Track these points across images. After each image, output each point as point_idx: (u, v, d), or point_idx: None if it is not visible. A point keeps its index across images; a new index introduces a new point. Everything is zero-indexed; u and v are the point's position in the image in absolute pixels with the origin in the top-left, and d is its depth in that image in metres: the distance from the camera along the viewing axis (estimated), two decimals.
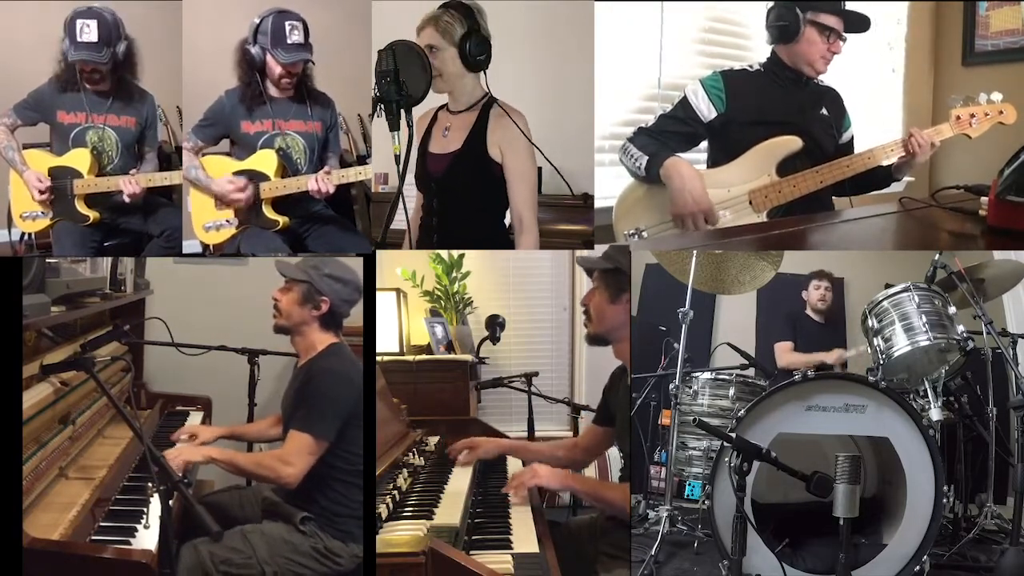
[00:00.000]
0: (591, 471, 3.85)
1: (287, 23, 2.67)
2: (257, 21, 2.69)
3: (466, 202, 2.49)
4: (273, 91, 2.78)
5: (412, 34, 2.40)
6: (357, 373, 2.39)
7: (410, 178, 2.35)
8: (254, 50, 2.70)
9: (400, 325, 4.06)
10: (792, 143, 2.81)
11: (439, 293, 4.17)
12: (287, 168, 2.78)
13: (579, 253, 2.38)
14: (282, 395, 2.52)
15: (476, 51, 2.38)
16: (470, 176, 2.47)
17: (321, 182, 2.66)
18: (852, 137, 3.11)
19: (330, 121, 2.87)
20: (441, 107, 2.56)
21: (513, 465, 2.75)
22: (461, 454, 2.62)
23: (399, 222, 2.44)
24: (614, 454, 3.99)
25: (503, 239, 2.57)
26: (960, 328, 2.67)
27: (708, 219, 2.75)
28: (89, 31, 2.73)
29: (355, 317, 2.61)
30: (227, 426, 2.87)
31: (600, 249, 2.39)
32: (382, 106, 2.17)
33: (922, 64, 4.40)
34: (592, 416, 2.64)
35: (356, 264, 2.59)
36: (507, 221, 2.62)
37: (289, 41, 2.67)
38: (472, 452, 2.62)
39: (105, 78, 2.86)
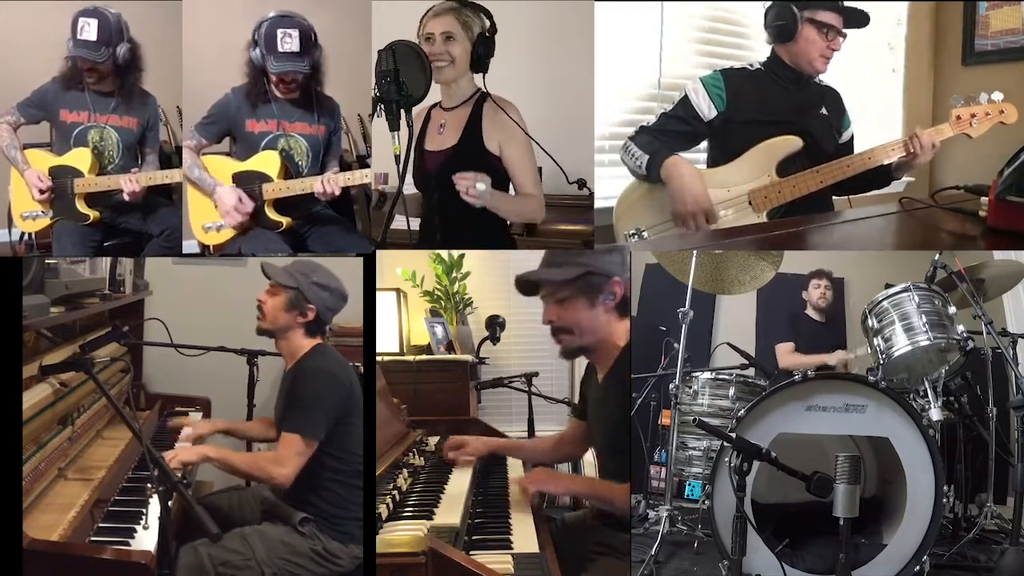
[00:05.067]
0: (591, 470, 3.85)
1: (279, 31, 2.63)
2: (257, 24, 2.69)
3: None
4: (277, 92, 2.78)
5: (412, 34, 2.41)
6: (343, 372, 2.39)
7: (410, 179, 2.36)
8: (254, 54, 2.70)
9: (400, 325, 4.06)
10: (792, 143, 2.81)
11: (439, 293, 4.16)
12: (289, 169, 2.78)
13: (518, 272, 2.23)
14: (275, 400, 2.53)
15: (486, 53, 2.44)
16: (468, 169, 2.47)
17: (327, 185, 2.65)
18: (852, 136, 3.11)
19: (334, 125, 2.87)
20: (433, 105, 2.58)
21: (513, 465, 2.74)
22: (450, 453, 2.62)
23: (400, 222, 2.45)
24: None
25: (505, 235, 2.59)
26: (960, 328, 2.67)
27: (708, 218, 2.75)
28: (89, 30, 2.74)
29: (355, 317, 2.61)
30: (224, 421, 2.87)
31: (531, 256, 2.29)
32: (382, 106, 2.17)
33: (922, 64, 4.39)
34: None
35: (354, 265, 2.59)
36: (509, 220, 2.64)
37: (280, 50, 2.64)
38: (461, 451, 2.61)
39: (105, 78, 2.86)
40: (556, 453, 2.75)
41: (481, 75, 2.49)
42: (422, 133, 2.57)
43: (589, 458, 3.85)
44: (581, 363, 4.26)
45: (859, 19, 2.87)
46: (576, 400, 2.59)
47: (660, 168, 2.76)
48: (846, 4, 2.87)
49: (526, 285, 2.23)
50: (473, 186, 2.35)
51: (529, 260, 4.12)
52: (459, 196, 2.48)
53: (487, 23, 2.44)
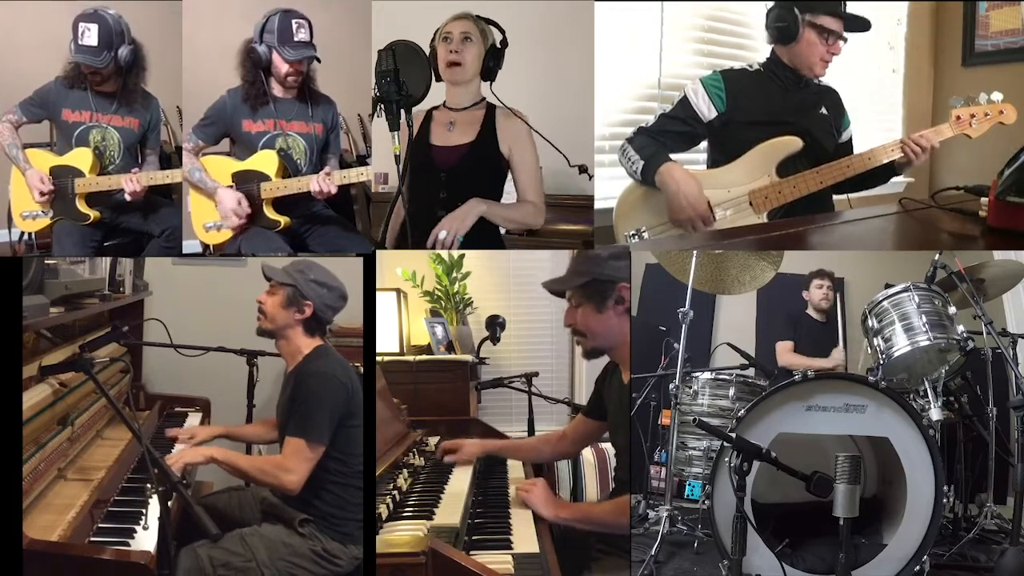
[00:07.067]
0: (592, 476, 3.85)
1: (294, 21, 2.69)
2: (263, 20, 2.71)
3: (474, 192, 2.52)
4: (277, 91, 2.78)
5: (412, 34, 2.42)
6: (345, 374, 2.39)
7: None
8: (260, 49, 2.71)
9: (400, 325, 4.06)
10: (792, 144, 2.81)
11: (439, 293, 4.17)
12: (287, 168, 2.78)
13: (545, 279, 2.40)
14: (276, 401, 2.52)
15: (495, 64, 2.53)
16: (481, 166, 2.54)
17: (323, 183, 2.66)
18: (851, 136, 3.11)
19: (331, 123, 2.88)
20: (436, 107, 2.61)
21: (513, 464, 2.74)
22: (445, 458, 2.61)
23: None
24: (613, 451, 3.99)
25: (499, 236, 2.63)
26: (960, 328, 2.67)
27: (705, 223, 2.76)
28: (89, 35, 2.75)
29: (355, 317, 2.61)
30: (225, 426, 2.86)
31: (560, 257, 2.36)
32: (382, 106, 2.18)
33: (922, 64, 4.40)
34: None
35: (354, 265, 2.59)
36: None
37: (296, 39, 2.69)
38: (455, 455, 2.61)
39: (108, 80, 2.87)
40: (554, 452, 2.75)
41: (489, 84, 2.55)
42: (425, 130, 2.59)
43: (589, 457, 3.88)
44: (581, 364, 4.34)
45: (859, 25, 2.87)
46: (588, 399, 2.59)
47: (655, 174, 2.77)
48: (847, 8, 2.87)
49: (553, 289, 2.35)
50: (441, 237, 2.44)
51: (530, 260, 4.15)
52: (469, 190, 2.53)
53: (500, 37, 2.52)
